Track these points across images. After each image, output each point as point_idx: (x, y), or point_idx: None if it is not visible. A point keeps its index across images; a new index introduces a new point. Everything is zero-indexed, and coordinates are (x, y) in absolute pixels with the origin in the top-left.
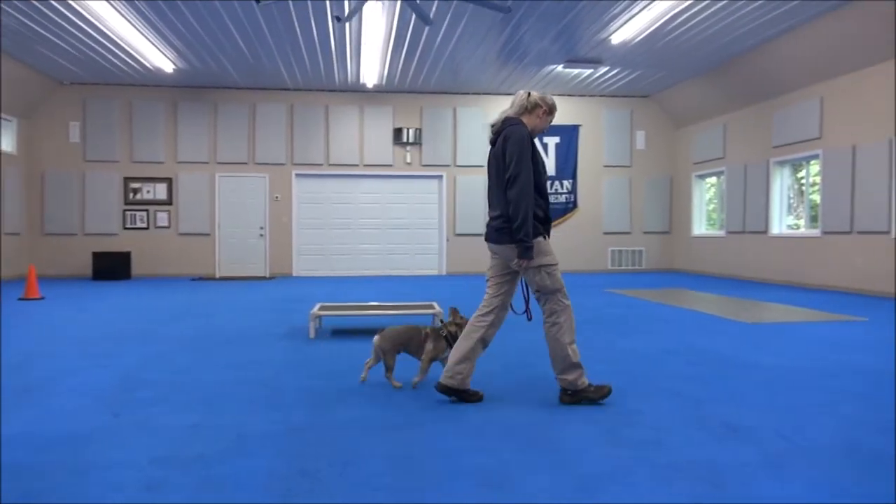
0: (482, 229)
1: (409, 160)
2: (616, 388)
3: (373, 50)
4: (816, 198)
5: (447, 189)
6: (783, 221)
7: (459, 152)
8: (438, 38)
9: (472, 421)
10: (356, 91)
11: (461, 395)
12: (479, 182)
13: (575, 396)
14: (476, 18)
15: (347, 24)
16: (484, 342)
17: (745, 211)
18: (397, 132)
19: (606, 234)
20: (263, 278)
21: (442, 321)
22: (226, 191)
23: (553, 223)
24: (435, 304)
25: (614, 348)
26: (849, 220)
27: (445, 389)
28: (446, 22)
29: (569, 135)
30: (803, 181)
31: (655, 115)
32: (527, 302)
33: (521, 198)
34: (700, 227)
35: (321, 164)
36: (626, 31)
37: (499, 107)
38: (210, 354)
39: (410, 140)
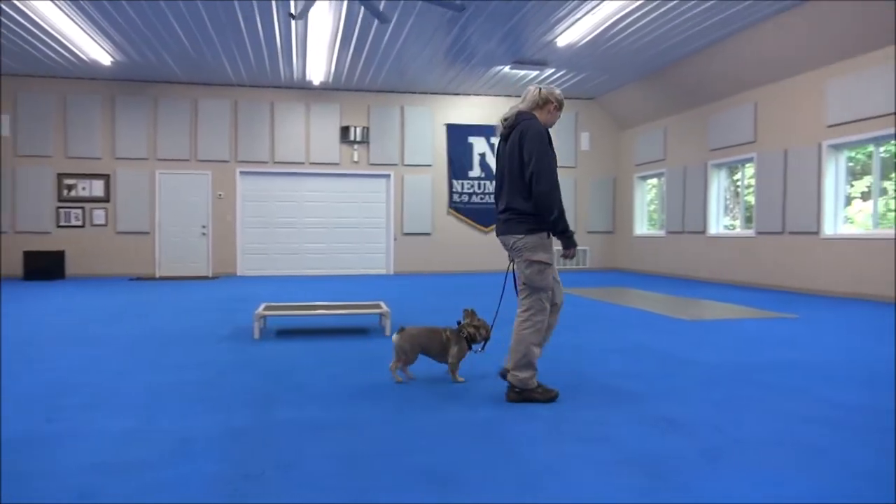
0: (430, 228)
1: (356, 159)
2: (561, 385)
3: (319, 47)
4: (751, 199)
5: (395, 188)
6: (720, 222)
7: (407, 151)
8: (386, 37)
9: (417, 420)
10: (302, 88)
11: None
12: (426, 181)
13: (522, 395)
14: (424, 18)
15: (293, 21)
16: (550, 327)
17: (685, 212)
18: (344, 130)
19: None
20: (206, 278)
21: (459, 322)
22: (167, 188)
23: None
24: (382, 304)
25: (560, 346)
26: (781, 220)
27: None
28: (394, 21)
29: None
30: (739, 183)
31: (600, 117)
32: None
33: (551, 190)
34: (642, 227)
35: (266, 162)
36: (572, 33)
37: (447, 106)
38: (150, 356)
39: (358, 138)
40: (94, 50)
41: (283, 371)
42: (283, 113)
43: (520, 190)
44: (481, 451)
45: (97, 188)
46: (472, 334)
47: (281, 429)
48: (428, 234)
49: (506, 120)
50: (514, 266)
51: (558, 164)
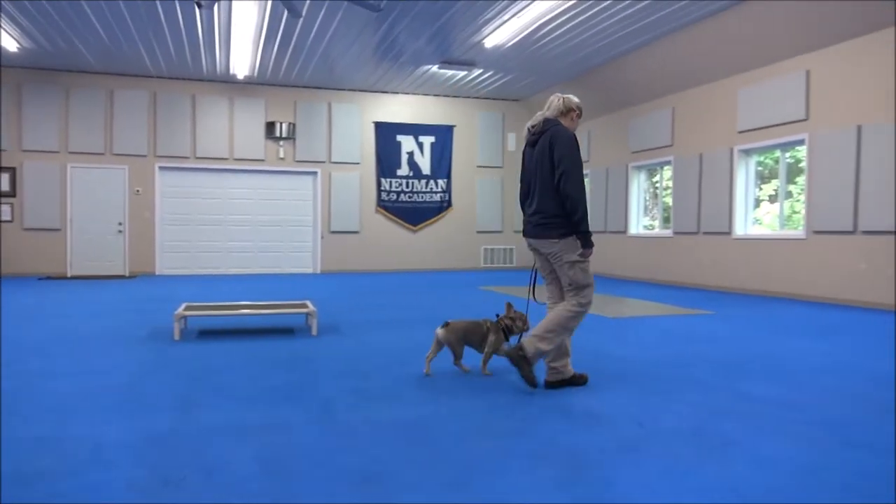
0: (358, 227)
1: (282, 155)
2: (487, 383)
3: (243, 40)
4: (669, 200)
5: (322, 186)
6: (640, 222)
7: (335, 149)
8: (312, 33)
9: (344, 420)
10: (226, 82)
11: (570, 383)
12: (354, 179)
13: (525, 360)
14: (350, 15)
15: (216, 12)
16: (569, 332)
17: (607, 212)
18: (270, 126)
19: (480, 232)
20: (122, 277)
21: (498, 315)
22: (79, 183)
23: (428, 221)
24: (308, 303)
25: None
26: (696, 221)
27: (554, 385)
28: (320, 17)
29: (444, 135)
30: (657, 185)
31: (526, 118)
32: (532, 291)
33: (578, 193)
34: None
35: (187, 157)
36: (499, 35)
37: (375, 104)
38: (62, 360)
39: (284, 135)
40: None
41: (204, 373)
42: (205, 106)
43: (550, 193)
44: (408, 449)
45: (2, 182)
46: (508, 326)
47: (202, 432)
48: (356, 232)
49: (533, 127)
50: (539, 262)
51: (486, 165)
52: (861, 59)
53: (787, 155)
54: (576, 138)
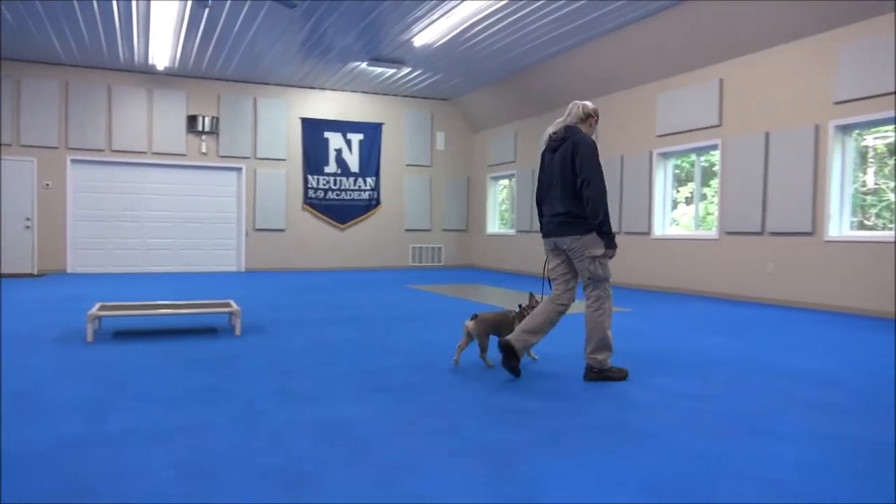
0: (283, 224)
1: (204, 150)
2: (415, 380)
3: (163, 29)
4: None
5: (246, 182)
6: None
7: (260, 144)
8: (237, 26)
9: (267, 421)
10: (144, 72)
11: (516, 359)
12: (280, 176)
13: (601, 374)
14: (275, 10)
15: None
16: (553, 323)
17: (533, 212)
18: (191, 119)
19: (408, 231)
20: (30, 275)
21: (521, 305)
22: None
23: (356, 220)
24: (231, 302)
25: (414, 340)
26: (618, 221)
27: (508, 347)
28: (244, 10)
29: (372, 132)
30: None
31: (454, 118)
32: (544, 288)
33: (601, 196)
34: (494, 226)
35: (102, 150)
36: (428, 34)
37: (302, 100)
38: None
39: (206, 129)
40: None
41: (120, 376)
42: (121, 98)
43: (573, 195)
44: (334, 449)
45: None
46: None
47: (117, 438)
48: (282, 230)
49: (555, 133)
50: (554, 262)
51: (415, 164)
52: (769, 69)
53: (703, 159)
54: (595, 145)
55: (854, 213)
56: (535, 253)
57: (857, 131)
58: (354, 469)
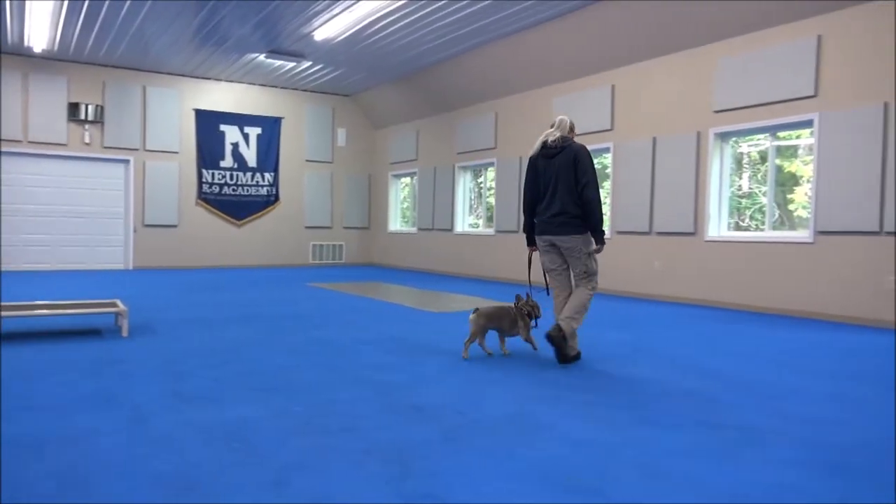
0: (176, 220)
1: (87, 140)
2: (313, 380)
3: (41, 9)
4: (493, 200)
5: (135, 175)
6: (466, 220)
7: (150, 135)
8: (124, 9)
9: (158, 426)
10: (20, 55)
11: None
12: (172, 169)
13: (561, 338)
14: None
15: None
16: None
17: (434, 210)
18: (73, 107)
19: (308, 228)
20: None
21: (516, 303)
22: None
23: (253, 216)
24: (118, 302)
25: (312, 339)
26: (516, 221)
27: (559, 333)
28: None
29: (271, 127)
30: (482, 185)
31: (356, 115)
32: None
33: (599, 200)
34: (395, 224)
35: None
36: (329, 28)
37: (197, 90)
38: None
39: (90, 118)
40: None
41: None
42: None
43: (573, 198)
44: (230, 452)
45: None
46: (529, 312)
47: None
48: (174, 226)
49: (553, 142)
50: (548, 257)
51: (316, 160)
52: (658, 77)
53: (596, 162)
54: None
55: (731, 215)
56: (437, 251)
57: (734, 139)
58: (249, 470)
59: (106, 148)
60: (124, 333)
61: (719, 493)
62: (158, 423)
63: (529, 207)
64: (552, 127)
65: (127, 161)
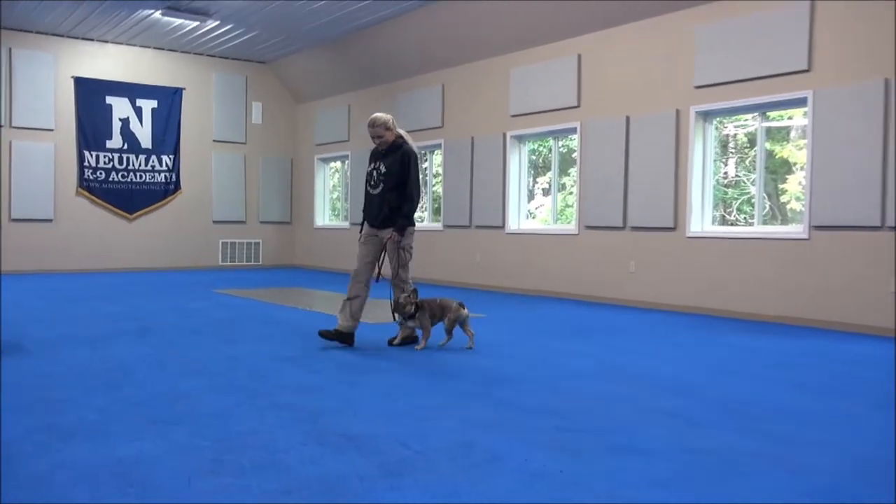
0: (51, 214)
1: None
2: (222, 407)
3: None
4: (440, 189)
5: None
6: None
7: (17, 109)
8: None
9: (27, 468)
10: None
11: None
12: (46, 151)
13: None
14: None
15: None
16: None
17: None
18: None
19: (217, 223)
20: None
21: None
22: None
23: (148, 208)
24: None
25: (220, 358)
26: (468, 213)
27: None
28: None
29: (169, 99)
30: (427, 171)
31: (274, 86)
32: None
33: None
34: (323, 218)
35: None
36: None
37: (77, 54)
38: None
39: None
40: None
41: None
42: None
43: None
44: (119, 498)
45: None
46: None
47: None
48: (48, 220)
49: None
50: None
51: (225, 140)
52: (629, 45)
53: (561, 144)
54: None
55: (716, 207)
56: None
57: (718, 119)
58: None
59: None
60: None
61: None
62: (28, 464)
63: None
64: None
65: None
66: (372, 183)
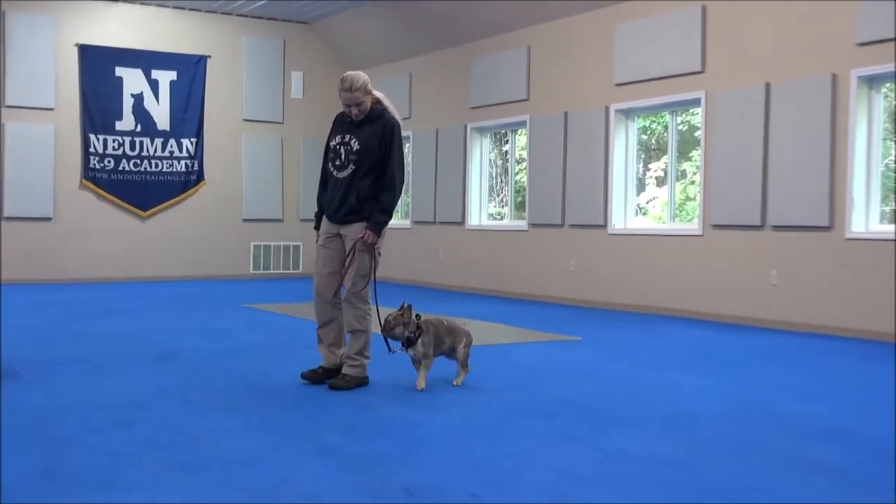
0: (50, 211)
1: None
2: (255, 451)
3: None
4: (524, 179)
5: None
6: (485, 209)
7: (12, 85)
8: None
9: None
10: None
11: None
12: (45, 135)
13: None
14: None
15: None
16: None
17: (437, 193)
18: None
19: (248, 221)
20: None
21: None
22: None
23: (166, 204)
24: None
25: (252, 388)
26: (560, 210)
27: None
28: None
29: (191, 70)
30: (508, 155)
31: (318, 52)
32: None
33: None
34: None
35: None
36: None
37: (81, 17)
38: None
39: None
40: None
41: None
42: None
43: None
44: None
45: None
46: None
47: None
48: (48, 219)
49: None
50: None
51: (258, 119)
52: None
53: (679, 120)
54: (338, 116)
55: (884, 200)
56: (443, 253)
57: (887, 84)
58: None
59: None
60: None
61: None
62: None
63: None
64: None
65: None
66: (338, 163)
